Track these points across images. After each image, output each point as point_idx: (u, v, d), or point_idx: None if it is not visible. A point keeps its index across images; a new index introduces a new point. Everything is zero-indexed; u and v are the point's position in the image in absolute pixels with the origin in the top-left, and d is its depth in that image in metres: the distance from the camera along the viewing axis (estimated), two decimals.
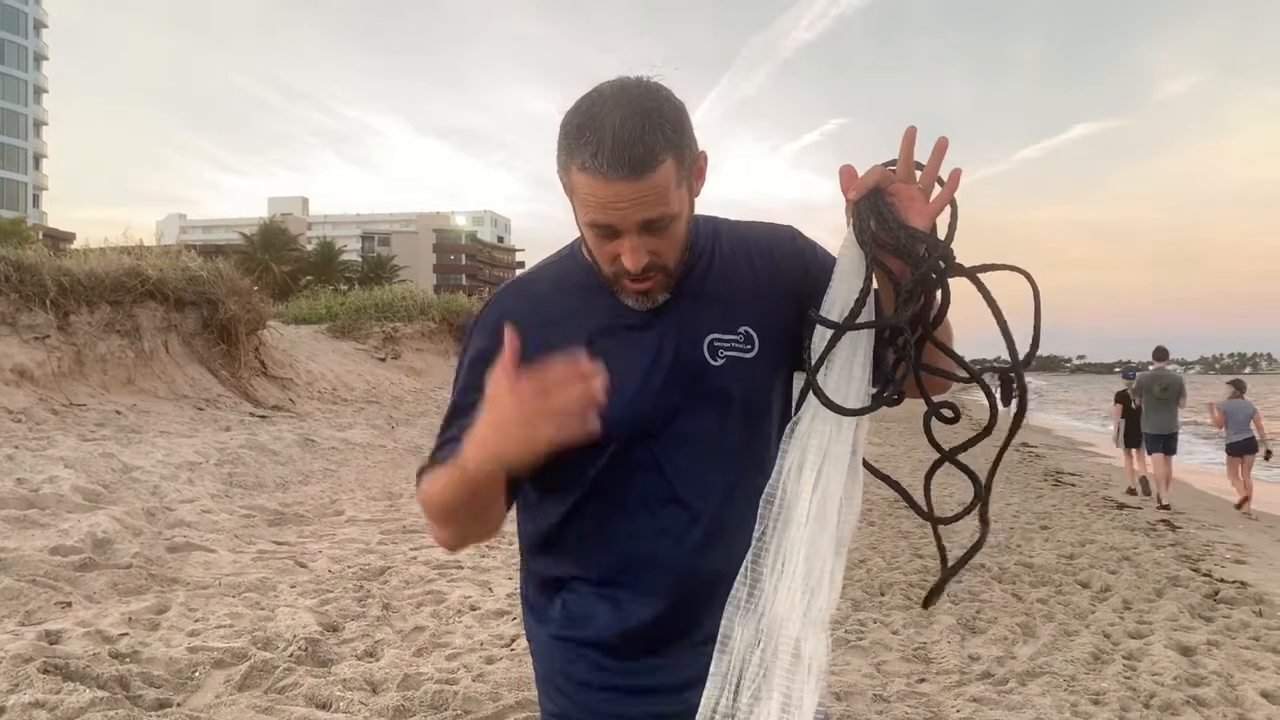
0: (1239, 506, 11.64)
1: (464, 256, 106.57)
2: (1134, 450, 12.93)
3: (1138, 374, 12.54)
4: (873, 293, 1.35)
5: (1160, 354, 12.22)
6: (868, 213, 1.32)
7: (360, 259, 76.00)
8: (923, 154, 1.34)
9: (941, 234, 1.33)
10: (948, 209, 1.34)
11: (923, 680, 4.58)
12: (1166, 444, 11.60)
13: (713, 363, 1.45)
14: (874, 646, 5.05)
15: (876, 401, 1.34)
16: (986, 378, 1.40)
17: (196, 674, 4.16)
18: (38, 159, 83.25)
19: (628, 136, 1.26)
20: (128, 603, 5.16)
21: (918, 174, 1.34)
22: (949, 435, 1.43)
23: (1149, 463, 12.26)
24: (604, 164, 1.26)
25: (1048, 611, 5.89)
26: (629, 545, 1.46)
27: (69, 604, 5.03)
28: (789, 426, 1.37)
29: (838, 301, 1.36)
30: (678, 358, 1.44)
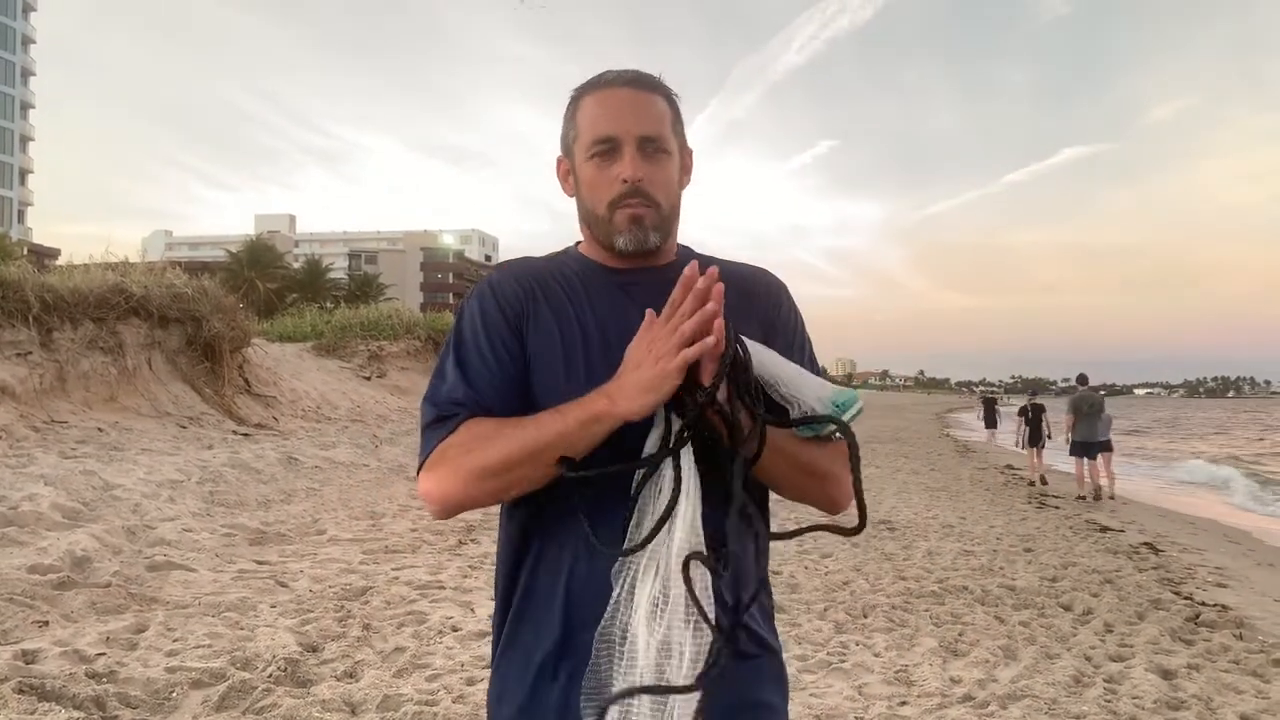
0: (1084, 496, 14.58)
1: (451, 275, 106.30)
2: (1034, 449, 16.91)
3: (1071, 396, 15.51)
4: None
5: (1082, 379, 15.45)
6: None
7: (347, 277, 75.79)
8: None
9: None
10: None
11: (904, 703, 4.58)
12: (1090, 450, 14.79)
13: None
14: (855, 669, 5.05)
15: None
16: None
17: (174, 694, 4.12)
18: (24, 174, 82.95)
19: (631, 69, 1.51)
20: (106, 622, 5.12)
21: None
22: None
23: (1043, 462, 16.92)
24: (609, 77, 1.49)
25: (1029, 634, 5.89)
26: (580, 551, 1.42)
27: (46, 623, 4.99)
28: (619, 563, 1.33)
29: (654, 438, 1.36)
30: None
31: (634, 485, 1.35)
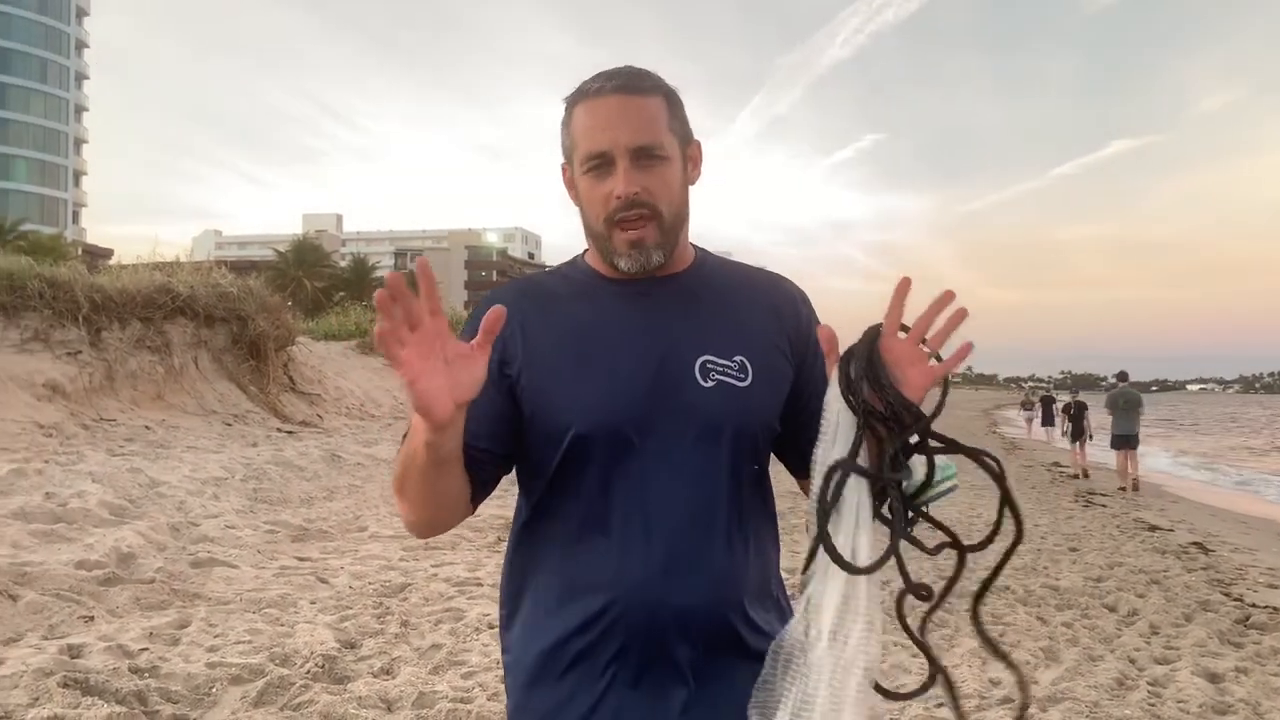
0: (1124, 487, 15.20)
1: (495, 273, 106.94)
2: (1077, 445, 17.66)
3: (1109, 393, 16.28)
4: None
5: (1123, 376, 16.26)
6: (860, 375, 1.26)
7: None
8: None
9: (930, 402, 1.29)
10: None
11: (941, 705, 4.52)
12: (1129, 442, 15.33)
13: (702, 383, 1.42)
14: (893, 670, 4.99)
15: (881, 560, 1.29)
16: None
17: (214, 690, 4.18)
18: (78, 176, 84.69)
19: (622, 69, 1.45)
20: (149, 617, 5.21)
21: (902, 334, 1.31)
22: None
23: (1086, 456, 17.65)
24: (599, 83, 1.42)
25: (1072, 636, 5.80)
26: (583, 556, 1.41)
27: (91, 618, 5.08)
28: (803, 579, 1.30)
29: (828, 462, 1.29)
30: (664, 367, 1.42)
31: (825, 504, 1.28)
